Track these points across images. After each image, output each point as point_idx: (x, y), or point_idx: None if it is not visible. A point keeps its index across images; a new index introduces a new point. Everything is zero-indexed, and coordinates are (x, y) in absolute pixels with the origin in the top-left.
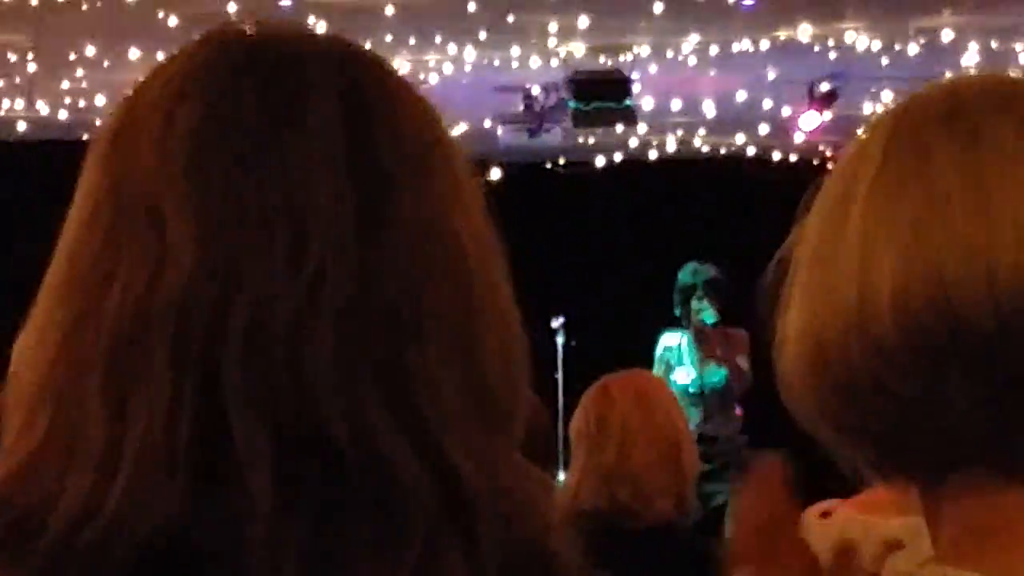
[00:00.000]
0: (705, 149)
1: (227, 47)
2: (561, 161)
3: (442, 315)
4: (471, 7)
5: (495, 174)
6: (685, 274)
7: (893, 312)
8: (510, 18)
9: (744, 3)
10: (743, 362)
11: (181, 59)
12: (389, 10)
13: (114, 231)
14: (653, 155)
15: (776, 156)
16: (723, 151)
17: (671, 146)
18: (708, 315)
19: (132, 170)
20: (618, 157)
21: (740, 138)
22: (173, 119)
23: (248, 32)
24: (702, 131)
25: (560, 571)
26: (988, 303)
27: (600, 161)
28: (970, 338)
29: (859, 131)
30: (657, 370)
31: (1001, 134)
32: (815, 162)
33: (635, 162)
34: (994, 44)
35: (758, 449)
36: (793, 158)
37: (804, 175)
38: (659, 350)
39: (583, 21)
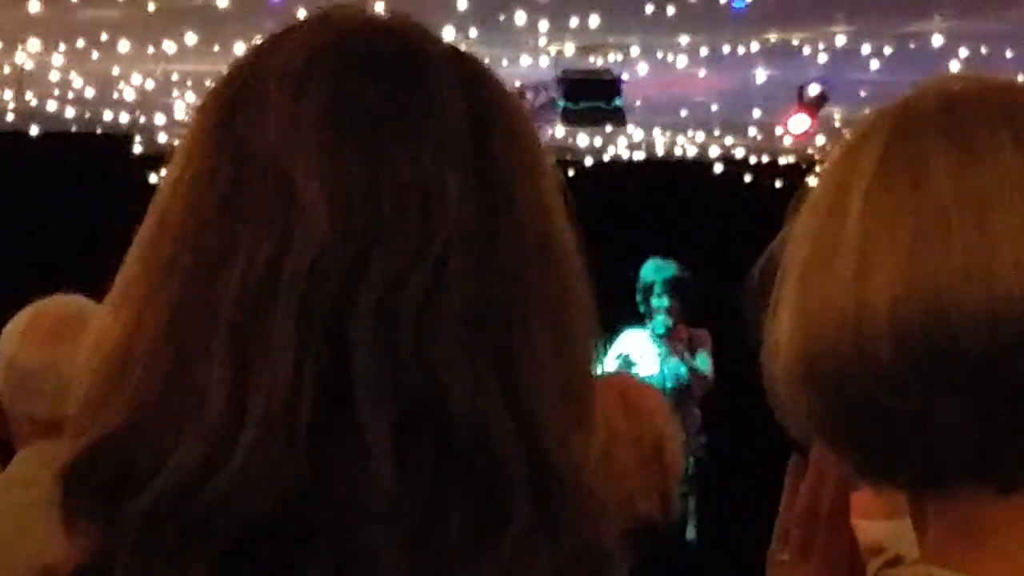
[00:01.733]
0: (693, 150)
1: (347, 32)
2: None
3: (545, 311)
4: (461, 5)
5: None
6: (646, 271)
7: (890, 329)
8: (500, 17)
9: (735, 5)
10: (705, 362)
11: (299, 37)
12: (379, 7)
13: (235, 197)
14: (640, 155)
15: (765, 158)
16: (711, 152)
17: (658, 146)
18: (659, 324)
19: (258, 139)
20: (606, 157)
21: (729, 140)
22: (303, 93)
23: (360, 17)
24: (690, 132)
25: (614, 572)
26: (985, 324)
27: (588, 160)
28: (965, 357)
29: (847, 131)
30: (614, 367)
31: (999, 148)
32: (803, 165)
33: (621, 162)
34: (983, 50)
35: (716, 449)
36: (782, 160)
37: (792, 177)
38: (617, 347)
39: (573, 21)
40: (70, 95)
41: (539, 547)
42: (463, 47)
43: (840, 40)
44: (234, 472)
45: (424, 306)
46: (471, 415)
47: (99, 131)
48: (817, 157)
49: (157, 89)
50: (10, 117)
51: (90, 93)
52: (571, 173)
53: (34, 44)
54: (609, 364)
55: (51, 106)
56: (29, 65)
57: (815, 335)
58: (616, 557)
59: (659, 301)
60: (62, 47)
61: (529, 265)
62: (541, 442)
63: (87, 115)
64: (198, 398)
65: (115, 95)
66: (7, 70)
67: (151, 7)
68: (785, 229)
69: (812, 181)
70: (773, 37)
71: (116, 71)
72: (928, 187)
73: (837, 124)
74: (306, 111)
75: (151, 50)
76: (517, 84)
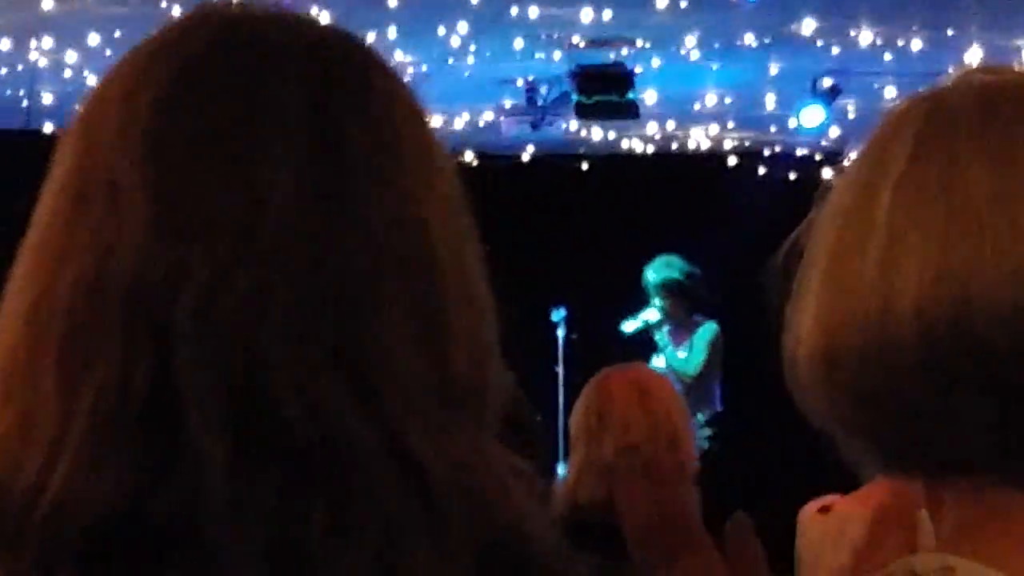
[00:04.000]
0: (707, 143)
1: (195, 28)
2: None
3: (404, 300)
4: (474, 0)
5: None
6: (646, 272)
7: (915, 325)
8: (513, 10)
9: None
10: (693, 354)
11: (151, 41)
12: (392, 2)
13: (74, 208)
14: (653, 149)
15: (778, 150)
16: (725, 145)
17: (674, 140)
18: (656, 334)
19: (94, 149)
20: (620, 151)
21: (742, 132)
22: (134, 100)
23: (223, 13)
24: (704, 125)
25: (537, 556)
26: (1011, 321)
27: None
28: (990, 353)
29: (881, 120)
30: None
31: None
32: (817, 157)
33: (637, 155)
34: (997, 41)
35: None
36: (797, 152)
37: (805, 170)
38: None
39: (587, 14)
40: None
41: (414, 541)
42: (476, 42)
43: (853, 32)
44: (59, 482)
45: (248, 304)
46: (311, 414)
47: None
48: (833, 149)
49: None
50: (23, 115)
51: None
52: (584, 167)
53: (47, 42)
54: (631, 327)
55: (65, 104)
56: (43, 63)
57: (839, 323)
58: (541, 540)
59: (653, 304)
60: (75, 45)
61: (380, 252)
62: (399, 434)
63: None
64: (37, 414)
65: None
66: (20, 68)
67: (164, 4)
68: (811, 216)
69: (828, 172)
70: (786, 29)
71: None
72: (961, 183)
73: (851, 116)
74: (135, 116)
75: None
76: (530, 78)
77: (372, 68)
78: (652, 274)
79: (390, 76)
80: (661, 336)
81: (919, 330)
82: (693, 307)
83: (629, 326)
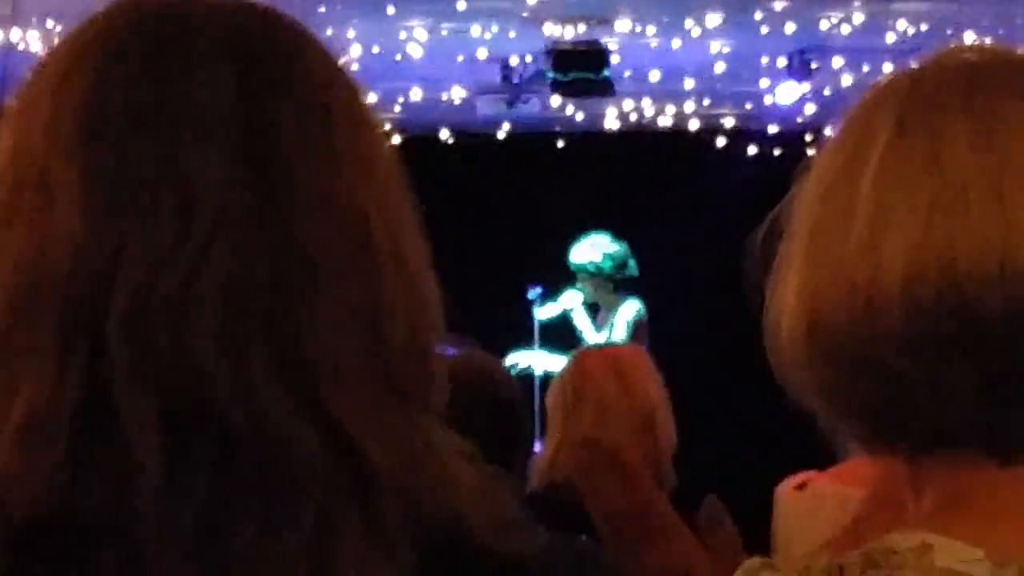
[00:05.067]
0: (682, 121)
1: (122, 15)
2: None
3: (338, 280)
4: None
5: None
6: (569, 253)
7: (903, 297)
8: None
9: None
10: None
11: (77, 31)
12: None
13: (9, 202)
14: (629, 126)
15: (754, 127)
16: (701, 123)
17: (648, 118)
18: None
19: (27, 141)
20: (597, 129)
21: (718, 110)
22: (63, 90)
23: (150, 0)
24: (679, 102)
25: (480, 536)
26: (999, 295)
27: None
28: (978, 328)
29: (861, 97)
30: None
31: (1020, 123)
32: (793, 134)
33: (612, 133)
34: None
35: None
36: (771, 130)
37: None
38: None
39: None
40: None
41: (348, 528)
42: (450, 19)
43: (830, 8)
44: None
45: (180, 295)
46: (244, 406)
47: None
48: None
49: None
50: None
51: None
52: (560, 145)
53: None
54: (546, 313)
55: None
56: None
57: (824, 297)
58: (481, 524)
59: (576, 286)
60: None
61: (312, 238)
62: (336, 422)
63: None
64: None
65: None
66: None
67: None
68: (790, 194)
69: (807, 150)
70: (763, 5)
71: None
72: (947, 157)
73: (827, 93)
74: (65, 106)
75: None
76: (505, 56)
77: (304, 49)
78: (574, 256)
79: (323, 55)
80: (578, 319)
81: (905, 300)
82: (616, 287)
83: (544, 312)
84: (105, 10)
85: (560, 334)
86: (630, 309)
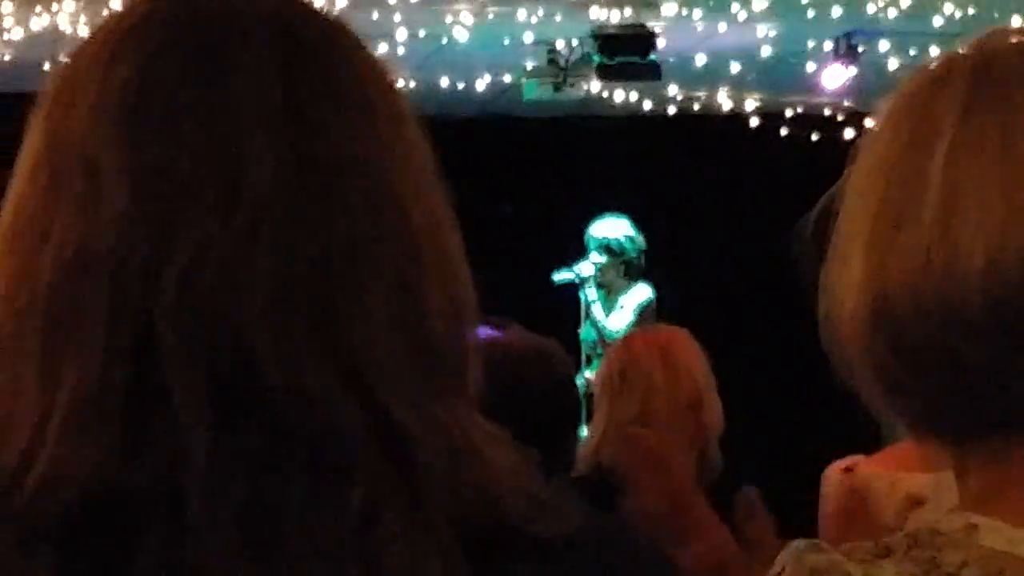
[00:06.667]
0: (728, 104)
1: (166, 3)
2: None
3: (380, 267)
4: None
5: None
6: (589, 228)
7: (983, 284)
8: None
9: None
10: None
11: (119, 16)
12: None
13: (52, 187)
14: (673, 110)
15: (800, 110)
16: (747, 107)
17: (695, 101)
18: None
19: (69, 126)
20: (644, 109)
21: (765, 93)
22: (109, 75)
23: None
24: (726, 86)
25: (518, 519)
26: None
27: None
28: None
29: (915, 79)
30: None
31: None
32: (839, 117)
33: (657, 117)
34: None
35: None
36: (816, 114)
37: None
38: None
39: None
40: None
41: (393, 504)
42: (497, 6)
43: None
44: (44, 461)
45: (229, 275)
46: (293, 387)
47: None
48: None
49: None
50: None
51: None
52: (606, 129)
53: (69, 5)
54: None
55: None
56: (65, 27)
57: (893, 283)
58: (517, 506)
59: (589, 259)
60: (98, 9)
61: (356, 220)
62: (381, 404)
63: None
64: (20, 392)
65: None
66: (42, 31)
67: None
68: (844, 176)
69: (850, 133)
70: None
71: None
72: (1020, 144)
73: (873, 77)
74: (111, 91)
75: None
76: (552, 40)
77: (343, 41)
78: (595, 230)
79: (360, 48)
80: (589, 291)
81: (985, 291)
82: (628, 272)
83: (560, 276)
84: None
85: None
86: (641, 294)
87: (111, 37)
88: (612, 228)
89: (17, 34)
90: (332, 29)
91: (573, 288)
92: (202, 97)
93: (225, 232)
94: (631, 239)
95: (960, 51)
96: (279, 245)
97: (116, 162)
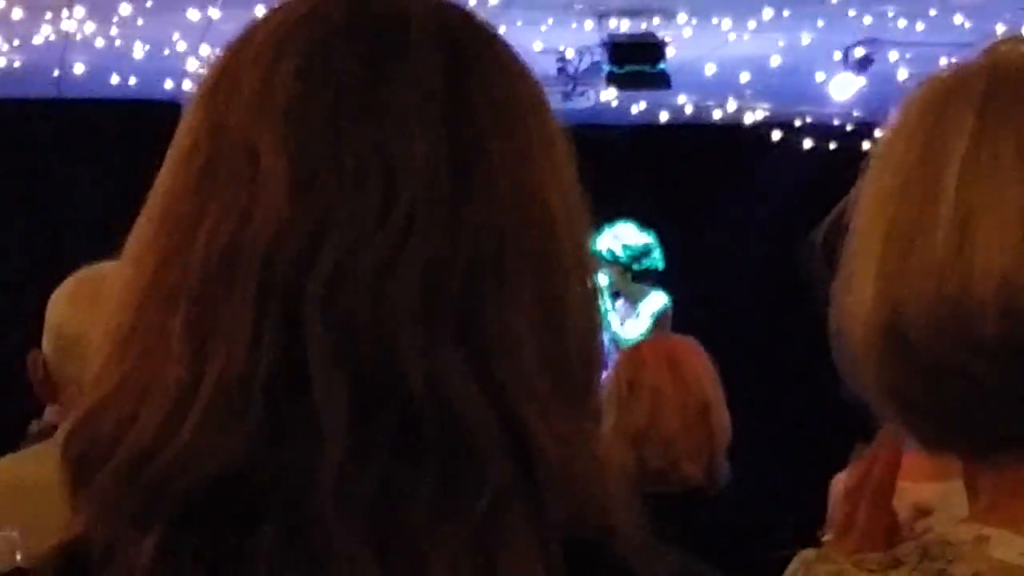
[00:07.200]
0: (738, 114)
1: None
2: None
3: (525, 278)
4: None
5: None
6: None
7: (996, 305)
8: None
9: None
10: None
11: (284, 11)
12: None
13: (209, 170)
14: (683, 119)
15: (808, 120)
16: (756, 116)
17: (704, 111)
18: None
19: (231, 113)
20: (653, 122)
21: (773, 103)
22: (275, 67)
23: None
24: (734, 96)
25: (620, 548)
26: None
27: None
28: None
29: (925, 89)
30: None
31: None
32: (848, 128)
33: (667, 126)
34: None
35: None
36: (826, 124)
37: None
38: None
39: None
40: (119, 62)
41: (515, 518)
42: (506, 11)
43: (887, 3)
44: (185, 439)
45: (381, 277)
46: (432, 387)
47: (147, 99)
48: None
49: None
50: (55, 85)
51: (136, 61)
52: (613, 138)
53: (79, 11)
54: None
55: (96, 74)
56: (75, 32)
57: (906, 302)
58: (626, 533)
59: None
60: (107, 15)
61: (505, 226)
62: (515, 411)
63: (132, 83)
64: (161, 370)
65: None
66: (52, 37)
67: None
68: (855, 188)
69: (864, 144)
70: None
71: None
72: None
73: (883, 87)
74: (276, 83)
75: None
76: (561, 48)
77: (498, 47)
78: (599, 243)
79: (511, 51)
80: (605, 304)
81: (1000, 311)
82: (638, 277)
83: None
84: None
85: None
86: (656, 302)
87: (277, 29)
88: (611, 239)
89: (26, 40)
90: (490, 36)
91: None
92: (366, 95)
93: (379, 228)
94: (628, 247)
95: (973, 61)
96: (431, 243)
97: (277, 153)
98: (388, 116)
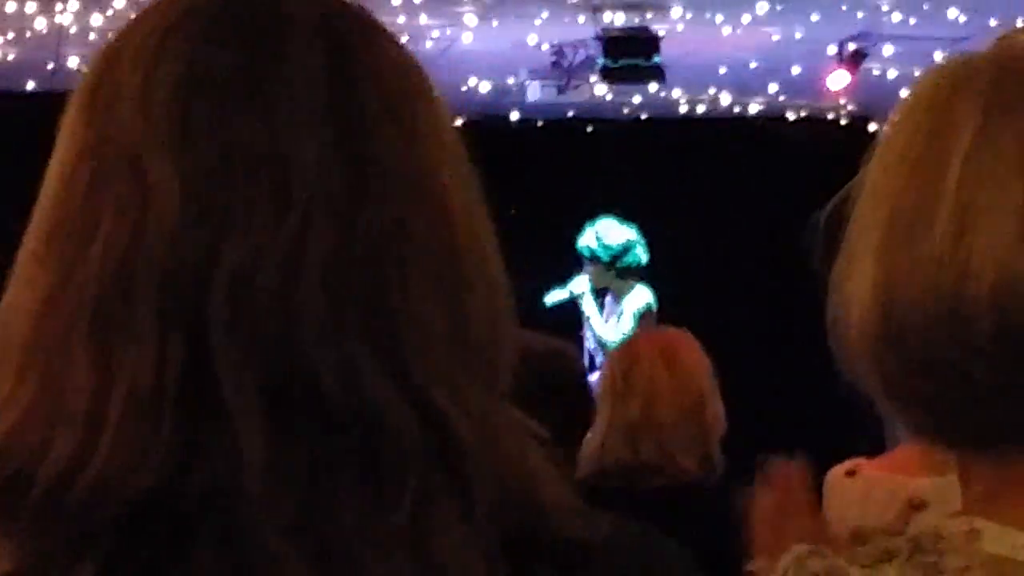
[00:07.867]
0: (732, 107)
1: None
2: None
3: (425, 264)
4: None
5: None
6: (578, 238)
7: (992, 302)
8: None
9: None
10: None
11: (160, 10)
12: None
13: (96, 185)
14: (680, 111)
15: (803, 114)
16: (751, 110)
17: (698, 104)
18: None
19: (113, 124)
20: (644, 114)
21: (767, 97)
22: (153, 72)
23: None
24: (729, 89)
25: (555, 520)
26: None
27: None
28: None
29: (929, 82)
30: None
31: None
32: (842, 122)
33: (660, 120)
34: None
35: None
36: (824, 117)
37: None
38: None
39: None
40: None
41: (444, 504)
42: (502, 4)
43: None
44: (102, 460)
45: (283, 276)
46: (346, 381)
47: None
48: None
49: None
50: (48, 78)
51: None
52: (610, 131)
53: (73, 4)
54: (555, 298)
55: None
56: (69, 25)
57: (903, 295)
58: (556, 504)
59: (584, 271)
60: (101, 7)
61: (401, 215)
62: (431, 398)
63: None
64: (69, 390)
65: None
66: (46, 30)
67: None
68: (854, 181)
69: (853, 136)
70: None
71: None
72: None
73: (876, 82)
74: (157, 90)
75: None
76: (556, 42)
77: (383, 40)
78: (581, 241)
79: (400, 48)
80: (586, 305)
81: (995, 309)
82: (623, 273)
83: (553, 296)
84: None
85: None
86: (639, 299)
87: (154, 32)
88: (591, 236)
89: (20, 33)
90: (371, 26)
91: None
92: (251, 97)
93: (275, 232)
94: (603, 244)
95: (980, 53)
96: (329, 242)
97: (165, 162)
98: (275, 116)
